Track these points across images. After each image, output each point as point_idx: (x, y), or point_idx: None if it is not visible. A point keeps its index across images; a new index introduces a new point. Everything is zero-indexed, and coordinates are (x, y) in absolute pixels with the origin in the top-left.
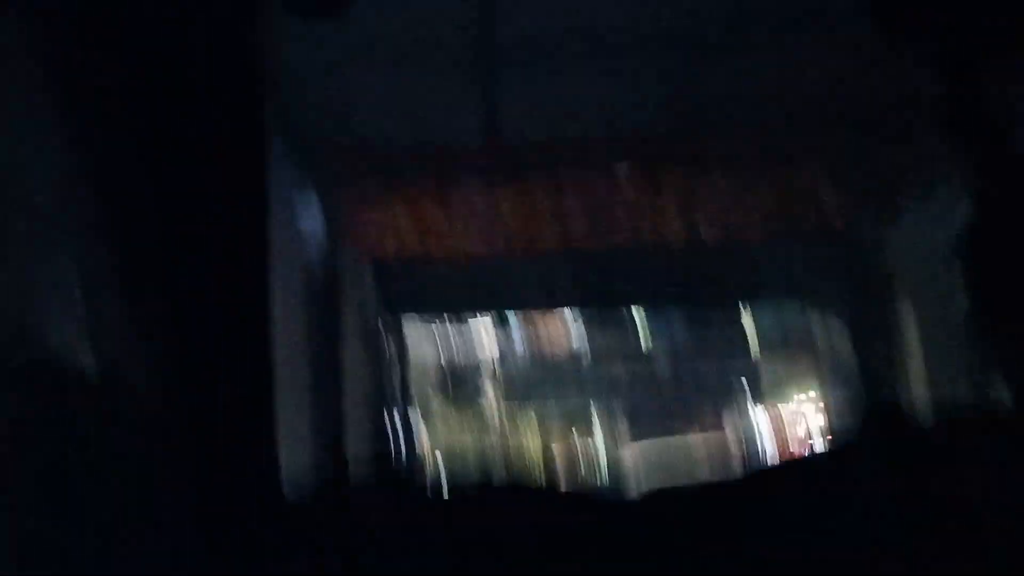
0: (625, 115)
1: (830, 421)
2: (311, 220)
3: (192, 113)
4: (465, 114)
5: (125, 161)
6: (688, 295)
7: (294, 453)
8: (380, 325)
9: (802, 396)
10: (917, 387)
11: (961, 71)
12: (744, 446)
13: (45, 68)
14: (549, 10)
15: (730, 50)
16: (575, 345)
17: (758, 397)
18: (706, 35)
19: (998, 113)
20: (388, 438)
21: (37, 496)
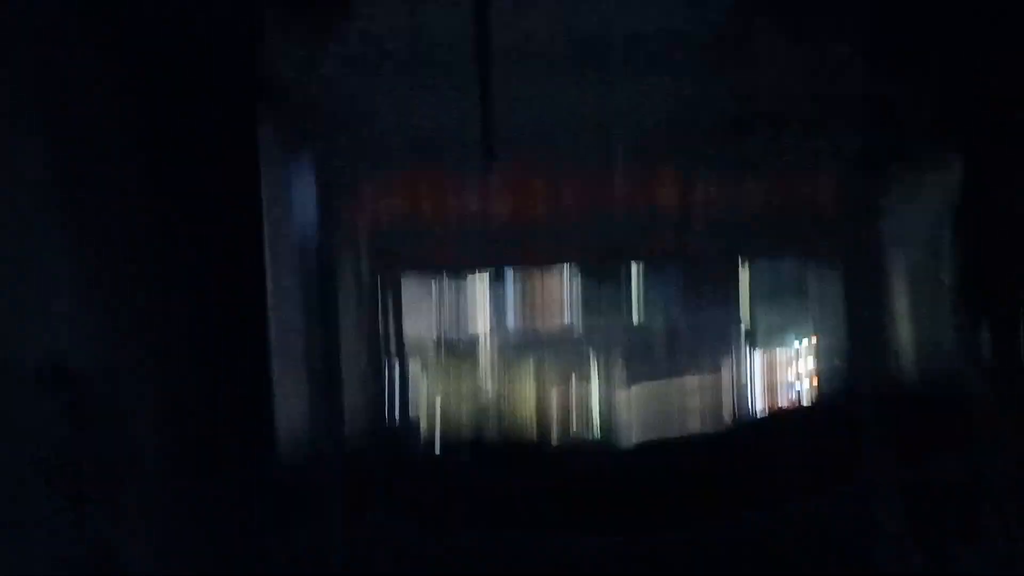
0: (621, 117)
1: (820, 373)
2: (304, 191)
3: (187, 105)
4: (461, 113)
5: (121, 144)
6: (683, 249)
7: (291, 416)
8: (375, 284)
9: (794, 346)
10: (905, 340)
11: (949, 61)
12: (737, 395)
13: (32, 70)
14: (544, 16)
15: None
16: (570, 298)
17: (752, 347)
18: (702, 36)
19: (991, 87)
20: (384, 397)
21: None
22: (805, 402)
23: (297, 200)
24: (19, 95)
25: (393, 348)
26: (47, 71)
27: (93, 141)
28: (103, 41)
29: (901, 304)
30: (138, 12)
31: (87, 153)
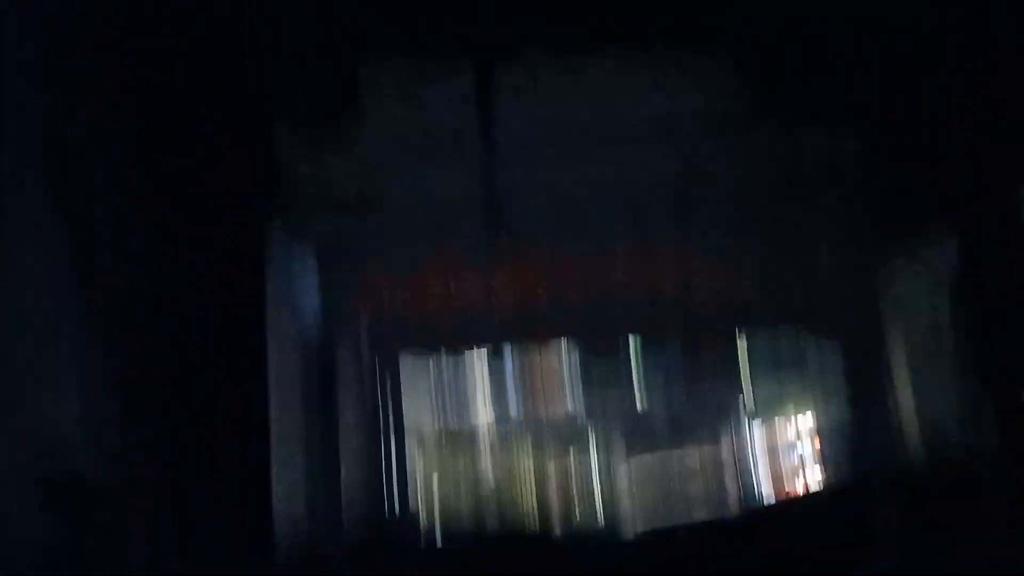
0: (622, 197)
1: (823, 449)
2: (309, 294)
3: (195, 198)
4: (465, 196)
5: (131, 244)
6: (683, 325)
7: (290, 500)
8: (374, 367)
9: (795, 423)
10: (907, 415)
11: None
12: (739, 477)
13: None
14: (545, 107)
15: (730, 126)
16: (569, 381)
17: (752, 425)
18: (705, 115)
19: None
20: (382, 487)
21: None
22: (809, 480)
23: (301, 289)
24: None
25: (392, 431)
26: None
27: (106, 244)
28: (121, 139)
29: (903, 381)
30: (156, 107)
31: (100, 259)
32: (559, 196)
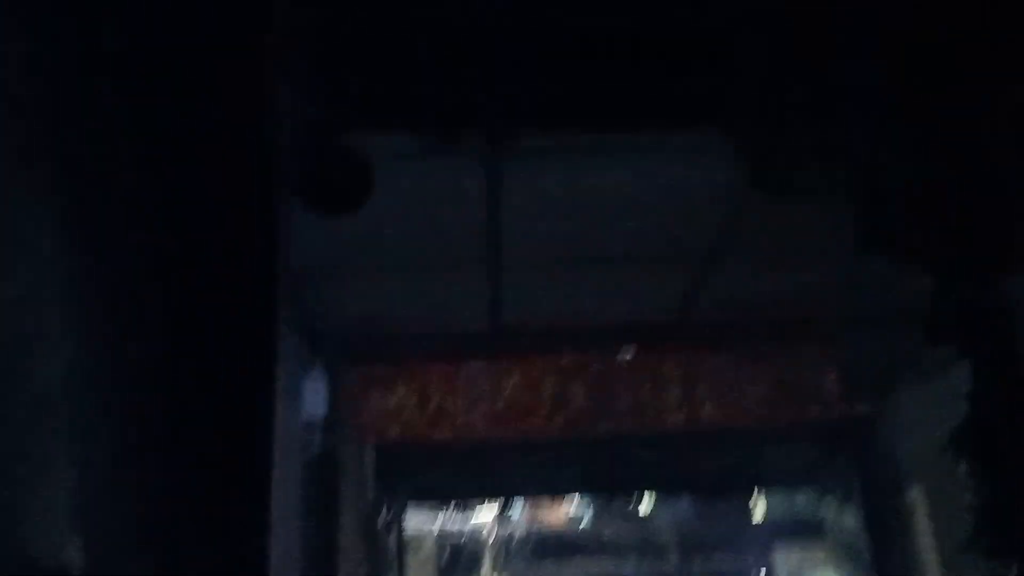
0: (626, 309)
1: None
2: (317, 405)
3: (206, 302)
4: (471, 305)
5: (137, 343)
6: (695, 482)
7: None
8: (380, 513)
9: None
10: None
11: (948, 284)
12: None
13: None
14: (554, 215)
15: (728, 257)
16: (580, 538)
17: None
18: (707, 240)
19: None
20: None
21: None
22: None
23: (308, 408)
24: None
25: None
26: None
27: (115, 340)
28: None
29: (924, 532)
30: (157, 212)
31: (105, 356)
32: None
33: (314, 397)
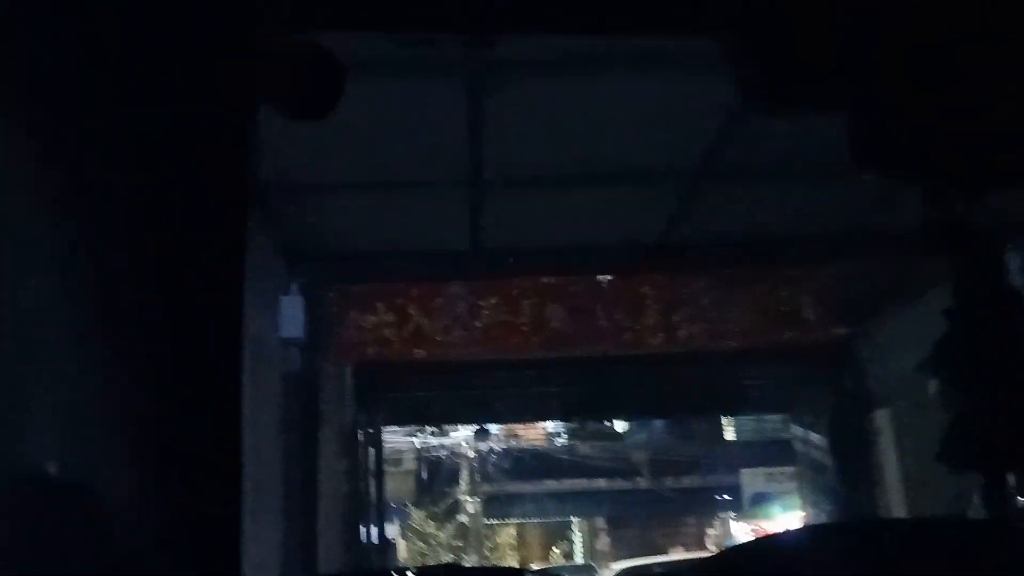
0: (608, 231)
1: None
2: (295, 325)
3: (171, 217)
4: (452, 225)
5: (102, 264)
6: (670, 404)
7: (266, 562)
8: (359, 432)
9: (784, 510)
10: (895, 500)
11: (940, 198)
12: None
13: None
14: (535, 132)
15: (713, 178)
16: (556, 456)
17: (740, 511)
18: (691, 162)
19: (974, 234)
20: (362, 550)
21: None
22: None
23: (279, 333)
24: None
25: (373, 496)
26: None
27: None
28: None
29: (888, 453)
30: (119, 112)
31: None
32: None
33: (292, 317)
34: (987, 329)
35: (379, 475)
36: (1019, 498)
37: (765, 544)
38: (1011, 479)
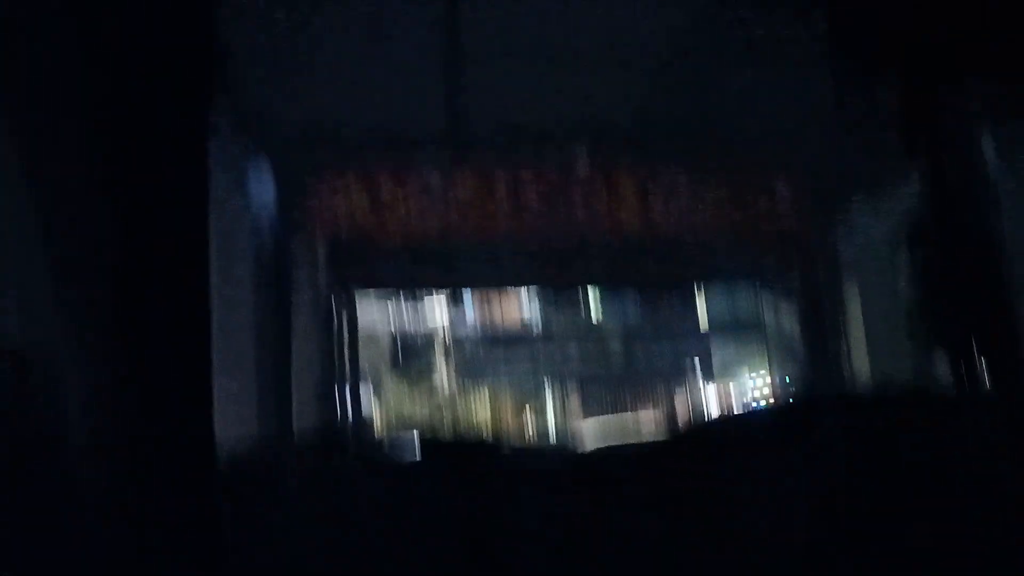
0: (584, 111)
1: (776, 400)
2: (265, 195)
3: (138, 89)
4: (426, 100)
5: (65, 137)
6: (641, 282)
7: (239, 426)
8: (331, 299)
9: (750, 376)
10: (860, 367)
11: (909, 83)
12: (692, 423)
13: None
14: (513, 9)
15: (689, 59)
16: (528, 323)
17: (708, 376)
18: (666, 44)
19: (944, 116)
20: (336, 412)
21: None
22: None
23: (250, 201)
24: None
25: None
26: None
27: (53, 136)
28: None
29: (855, 322)
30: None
31: (47, 146)
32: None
33: (265, 192)
34: (959, 208)
35: (353, 341)
36: (981, 371)
37: (731, 422)
38: (974, 354)
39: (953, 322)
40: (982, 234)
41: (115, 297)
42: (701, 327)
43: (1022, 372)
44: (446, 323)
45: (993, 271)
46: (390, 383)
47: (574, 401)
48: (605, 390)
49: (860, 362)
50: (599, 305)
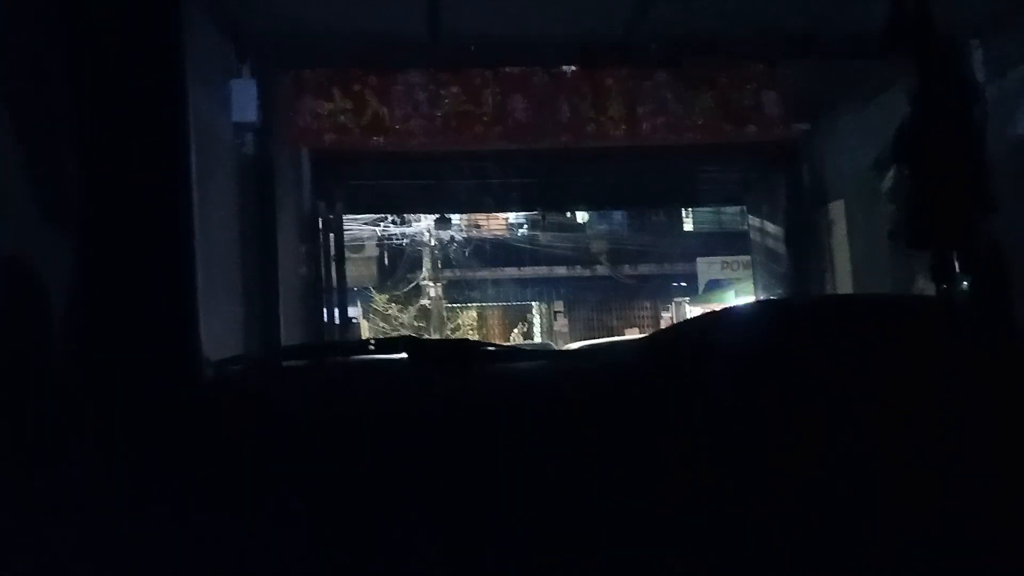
0: (571, 18)
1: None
2: (248, 110)
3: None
4: (411, 10)
5: (35, 44)
6: (630, 199)
7: (229, 339)
8: (318, 217)
9: (737, 296)
10: (845, 287)
11: None
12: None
13: None
14: None
15: None
16: (517, 244)
17: (694, 297)
18: None
19: (933, 29)
20: (324, 327)
21: None
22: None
23: (231, 113)
24: None
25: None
26: None
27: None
28: None
29: (840, 242)
30: None
31: (11, 51)
32: None
33: (244, 100)
34: (945, 117)
35: (340, 259)
36: (960, 276)
37: (715, 316)
38: (954, 258)
39: (938, 240)
40: (970, 150)
41: (93, 207)
42: (688, 250)
43: (1005, 289)
44: (434, 242)
45: (980, 188)
46: (378, 300)
47: (560, 320)
48: (590, 311)
49: (843, 280)
50: (587, 225)
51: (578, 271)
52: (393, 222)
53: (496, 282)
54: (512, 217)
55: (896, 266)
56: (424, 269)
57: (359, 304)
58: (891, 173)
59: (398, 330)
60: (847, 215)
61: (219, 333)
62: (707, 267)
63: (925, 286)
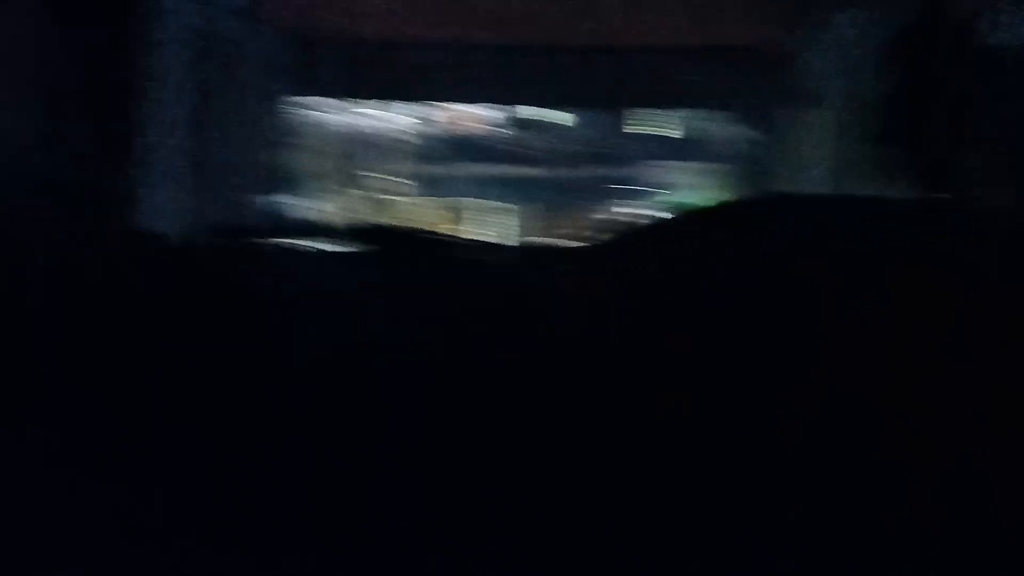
0: None
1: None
2: None
3: None
4: None
5: None
6: (604, 100)
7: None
8: (285, 94)
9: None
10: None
11: None
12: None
13: None
14: None
15: None
16: (490, 142)
17: (669, 202)
18: None
19: None
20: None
21: None
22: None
23: None
24: None
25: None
26: None
27: None
28: None
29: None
30: None
31: None
32: None
33: None
34: (939, 28)
35: (310, 148)
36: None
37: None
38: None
39: (919, 128)
40: (961, 54)
41: (47, 54)
42: (663, 149)
43: (995, 200)
44: (409, 133)
45: (967, 93)
46: (350, 192)
47: (533, 223)
48: (560, 214)
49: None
50: (562, 127)
51: (549, 172)
52: (364, 112)
53: (468, 180)
54: (487, 114)
55: (882, 171)
56: (396, 163)
57: (328, 194)
58: (881, 76)
59: (360, 216)
60: (831, 122)
61: (173, 206)
62: (683, 172)
63: (910, 192)
